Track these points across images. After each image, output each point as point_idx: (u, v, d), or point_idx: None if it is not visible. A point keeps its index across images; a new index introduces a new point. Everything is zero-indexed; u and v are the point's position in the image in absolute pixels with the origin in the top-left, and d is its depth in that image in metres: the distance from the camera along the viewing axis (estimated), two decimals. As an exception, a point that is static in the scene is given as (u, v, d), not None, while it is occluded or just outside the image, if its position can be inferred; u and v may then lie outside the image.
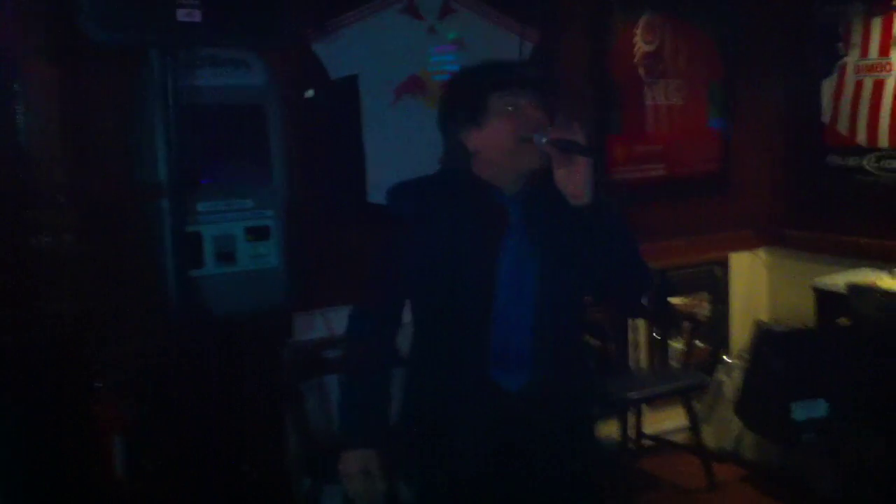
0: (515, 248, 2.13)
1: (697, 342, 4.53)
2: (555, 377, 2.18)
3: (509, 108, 2.12)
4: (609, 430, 3.95)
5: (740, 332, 4.71)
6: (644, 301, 4.19)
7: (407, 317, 2.27)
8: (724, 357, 4.65)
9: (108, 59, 2.92)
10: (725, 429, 4.36)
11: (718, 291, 4.72)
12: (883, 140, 4.21)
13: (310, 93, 3.56)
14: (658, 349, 4.47)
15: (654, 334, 4.48)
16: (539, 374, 2.15)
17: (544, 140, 2.03)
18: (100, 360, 3.03)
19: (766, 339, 4.12)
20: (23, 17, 2.87)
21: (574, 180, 1.99)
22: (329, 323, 3.48)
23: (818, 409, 3.77)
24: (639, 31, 4.37)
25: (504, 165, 2.14)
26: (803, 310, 4.27)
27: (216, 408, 2.99)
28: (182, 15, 2.57)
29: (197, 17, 2.60)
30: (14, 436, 2.93)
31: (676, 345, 4.49)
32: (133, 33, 2.59)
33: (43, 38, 2.90)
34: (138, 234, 2.94)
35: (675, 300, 4.56)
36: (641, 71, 4.40)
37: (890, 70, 4.16)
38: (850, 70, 4.33)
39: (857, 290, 3.86)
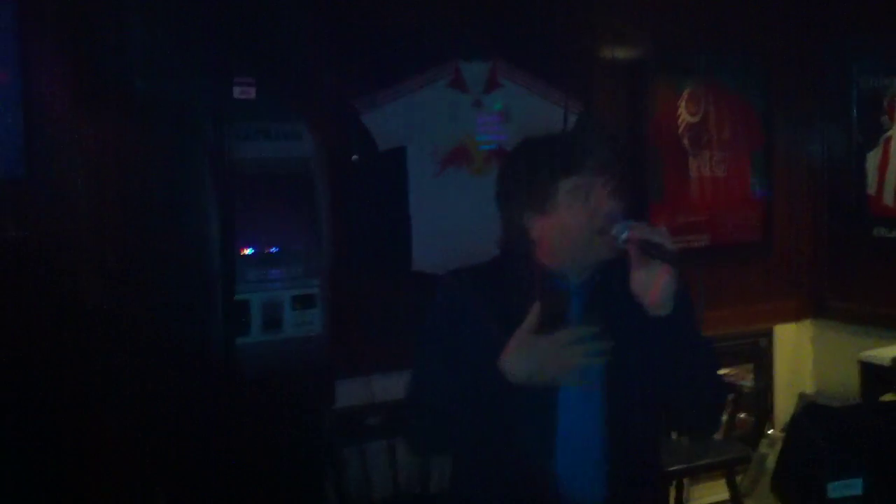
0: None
1: (741, 414, 4.49)
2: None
3: (583, 196, 1.90)
4: (650, 502, 3.91)
5: (785, 405, 4.66)
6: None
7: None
8: (768, 430, 4.60)
9: (163, 124, 2.98)
10: (769, 503, 4.30)
11: (763, 363, 4.68)
12: (928, 213, 4.20)
13: (355, 157, 3.63)
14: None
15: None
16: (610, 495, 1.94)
17: (624, 236, 1.82)
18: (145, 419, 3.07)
19: (805, 413, 4.05)
20: (79, 79, 2.93)
21: (654, 288, 1.81)
22: (372, 389, 3.51)
23: (854, 487, 3.70)
24: (683, 103, 4.41)
25: (572, 256, 1.95)
26: (849, 383, 4.22)
27: (257, 471, 3.02)
28: (238, 93, 2.65)
29: (252, 94, 2.69)
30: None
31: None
32: (178, 89, 2.67)
33: (98, 99, 2.95)
34: (187, 300, 3.00)
35: (719, 371, 4.52)
36: (685, 142, 4.43)
37: (935, 144, 4.16)
38: (894, 143, 4.33)
39: (902, 364, 3.82)
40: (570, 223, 1.91)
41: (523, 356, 1.85)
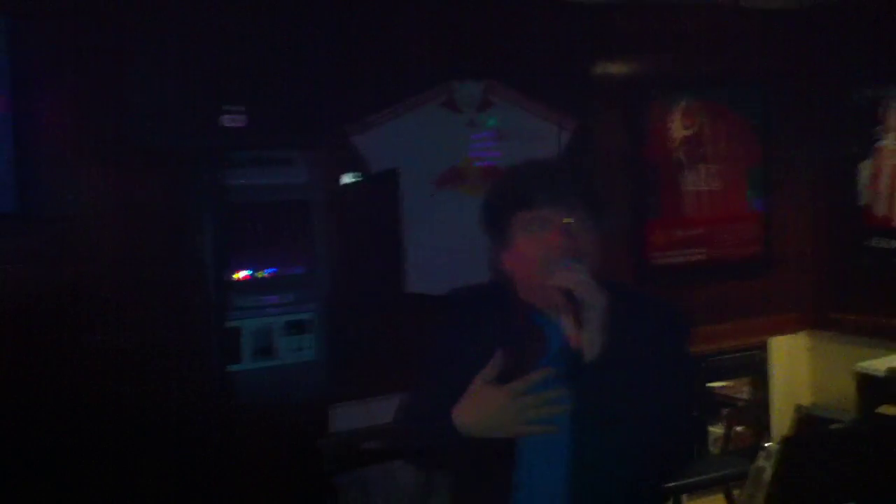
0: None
1: (738, 427, 4.49)
2: None
3: (532, 229, 1.88)
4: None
5: (782, 417, 4.66)
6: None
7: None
8: (766, 442, 4.59)
9: (157, 160, 3.01)
10: (767, 517, 4.29)
11: (759, 376, 4.68)
12: (923, 223, 4.20)
13: (348, 178, 3.64)
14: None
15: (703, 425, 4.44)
16: None
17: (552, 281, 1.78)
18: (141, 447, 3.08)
19: (797, 436, 4.08)
20: (75, 123, 2.97)
21: (577, 330, 1.75)
22: (369, 413, 3.51)
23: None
24: (677, 117, 4.42)
25: (538, 289, 1.87)
26: (846, 395, 4.21)
27: (253, 500, 3.03)
28: (227, 121, 2.66)
29: (241, 122, 2.69)
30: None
31: (716, 430, 4.45)
32: (179, 138, 2.69)
33: (94, 142, 2.99)
34: (182, 329, 3.01)
35: (714, 385, 4.53)
36: (681, 155, 4.43)
37: (928, 155, 4.16)
38: (887, 153, 4.33)
39: (897, 375, 3.82)
40: (526, 257, 1.88)
41: (475, 409, 1.79)
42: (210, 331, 2.84)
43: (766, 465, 4.40)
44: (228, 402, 2.85)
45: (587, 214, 1.89)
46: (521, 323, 1.92)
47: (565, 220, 1.86)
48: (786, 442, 4.23)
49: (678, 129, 4.42)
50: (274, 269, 3.05)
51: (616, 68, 4.29)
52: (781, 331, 4.73)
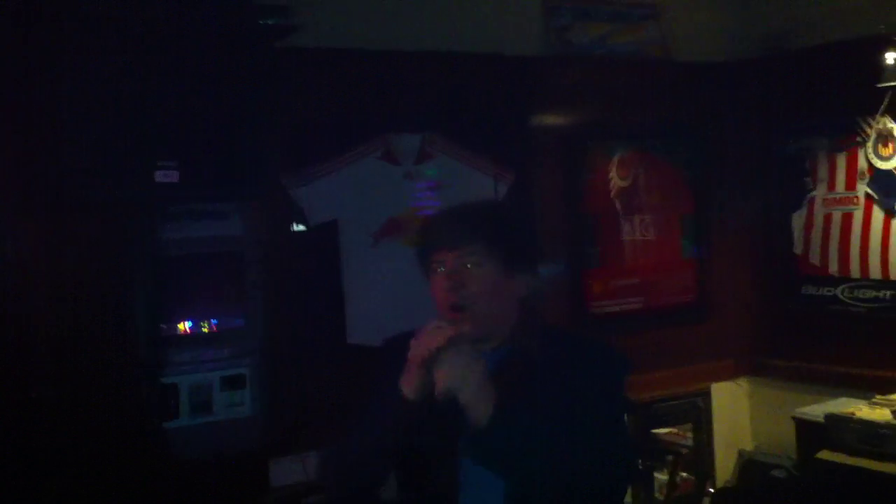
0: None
1: (682, 474, 4.51)
2: None
3: (440, 270, 1.97)
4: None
5: (725, 463, 4.70)
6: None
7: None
8: (710, 488, 4.62)
9: (87, 215, 2.97)
10: (713, 564, 4.31)
11: (701, 422, 4.71)
12: (854, 271, 4.29)
13: (299, 227, 3.65)
14: (642, 482, 4.45)
15: (639, 467, 4.46)
16: None
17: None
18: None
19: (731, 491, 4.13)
20: (4, 177, 2.93)
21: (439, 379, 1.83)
22: (307, 468, 3.47)
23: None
24: (614, 168, 4.50)
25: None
26: (786, 439, 4.27)
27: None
28: (160, 177, 2.65)
29: (175, 177, 2.69)
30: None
31: (661, 477, 4.47)
32: (113, 190, 2.67)
33: (24, 196, 2.94)
34: (116, 386, 2.95)
35: (658, 431, 4.56)
36: (617, 205, 4.50)
37: (857, 203, 4.27)
38: (818, 203, 4.45)
39: (834, 420, 3.87)
40: (435, 296, 1.97)
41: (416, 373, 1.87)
42: (145, 387, 2.79)
43: (710, 512, 4.45)
44: (166, 459, 2.80)
45: (489, 259, 1.94)
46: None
47: (457, 263, 1.94)
48: (721, 492, 4.30)
49: (615, 179, 4.50)
50: (208, 323, 3.02)
51: (553, 120, 4.37)
52: (719, 377, 4.78)
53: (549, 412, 1.84)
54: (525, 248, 2.06)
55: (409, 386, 1.88)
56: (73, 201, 2.76)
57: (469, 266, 1.94)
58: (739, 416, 4.83)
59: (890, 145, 4.12)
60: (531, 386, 1.90)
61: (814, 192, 4.47)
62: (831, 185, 4.39)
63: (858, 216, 4.27)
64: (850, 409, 3.92)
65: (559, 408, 1.86)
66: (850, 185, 4.30)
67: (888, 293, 4.18)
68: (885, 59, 3.91)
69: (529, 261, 2.04)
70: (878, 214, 4.19)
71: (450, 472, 1.93)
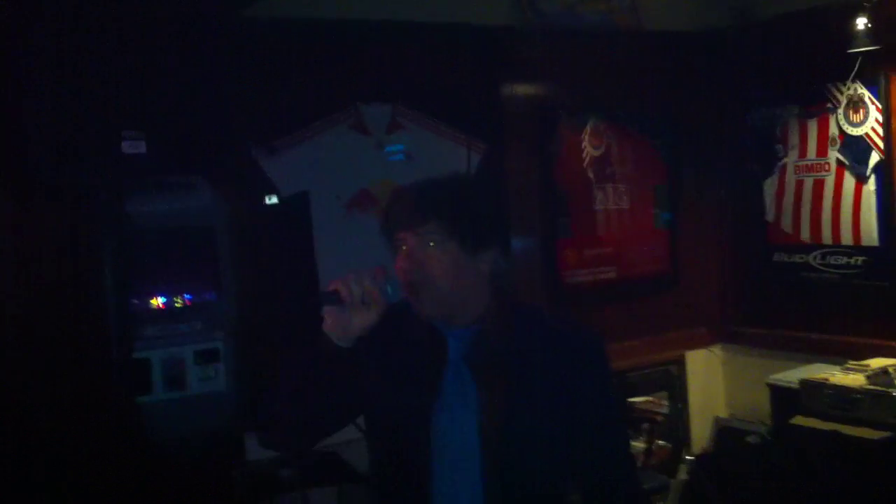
0: (453, 386, 1.89)
1: (658, 441, 4.53)
2: None
3: (402, 248, 1.92)
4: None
5: (700, 430, 4.72)
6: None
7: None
8: (686, 455, 4.64)
9: (54, 193, 2.90)
10: (689, 531, 4.33)
11: (676, 390, 4.73)
12: (826, 237, 4.32)
13: (271, 199, 3.60)
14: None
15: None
16: None
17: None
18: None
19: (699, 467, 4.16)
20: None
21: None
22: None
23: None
24: (586, 137, 4.48)
25: (421, 304, 1.90)
26: (761, 405, 4.30)
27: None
28: (127, 147, 2.60)
29: (142, 147, 2.63)
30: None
31: (638, 445, 4.48)
32: (80, 170, 2.61)
33: None
34: (87, 363, 2.90)
35: (634, 400, 4.57)
36: (590, 175, 4.49)
37: (829, 169, 4.29)
38: (789, 170, 4.46)
39: (808, 385, 3.90)
40: (398, 273, 1.91)
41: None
42: (117, 362, 2.75)
43: (687, 478, 4.46)
44: (139, 434, 2.76)
45: (450, 238, 1.90)
46: (421, 333, 1.94)
47: (415, 242, 1.89)
48: (700, 458, 4.32)
49: (588, 148, 4.48)
50: (180, 297, 2.97)
51: (524, 91, 4.34)
52: (693, 345, 4.80)
53: (527, 390, 1.85)
54: (492, 224, 2.00)
55: (332, 327, 1.86)
56: (39, 184, 2.69)
57: (431, 244, 1.89)
58: (714, 384, 4.86)
59: (861, 111, 4.14)
60: (506, 363, 1.89)
61: (785, 160, 4.48)
62: (802, 152, 4.40)
63: (830, 182, 4.28)
64: (824, 375, 3.95)
65: (540, 385, 1.87)
66: (822, 152, 4.31)
67: (860, 259, 4.21)
68: (855, 25, 3.91)
69: (497, 237, 1.98)
70: (849, 180, 4.21)
71: (421, 432, 1.89)
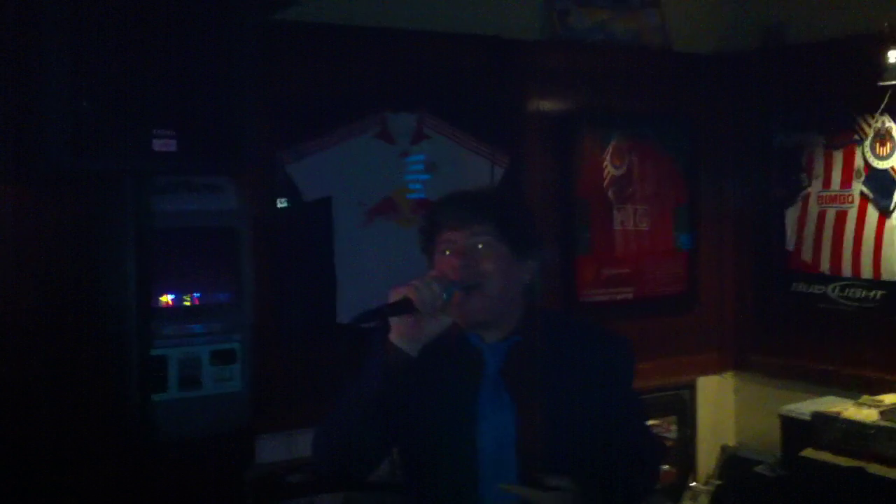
0: (491, 401, 1.91)
1: (664, 466, 4.50)
2: None
3: (444, 251, 1.93)
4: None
5: (707, 457, 4.69)
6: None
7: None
8: (692, 482, 4.62)
9: (76, 183, 2.87)
10: (692, 557, 4.31)
11: (685, 415, 4.71)
12: (846, 269, 4.29)
13: (282, 202, 3.59)
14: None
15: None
16: None
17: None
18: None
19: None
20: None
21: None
22: (293, 446, 3.44)
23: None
24: (608, 156, 4.46)
25: (455, 309, 1.89)
26: (770, 436, 4.27)
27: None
28: (158, 145, 2.58)
29: (172, 146, 2.61)
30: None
31: (644, 468, 4.45)
32: (106, 161, 2.59)
33: (12, 165, 2.83)
34: (102, 360, 2.89)
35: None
36: (610, 194, 4.47)
37: (852, 201, 4.26)
38: (812, 200, 4.43)
39: (821, 418, 3.87)
40: (449, 272, 1.90)
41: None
42: (133, 359, 2.73)
43: (692, 505, 4.45)
44: (153, 434, 2.75)
45: (500, 241, 1.92)
46: (457, 346, 1.95)
47: (468, 243, 1.90)
48: (717, 488, 4.28)
49: (608, 168, 4.47)
50: (200, 296, 2.96)
51: (549, 104, 4.32)
52: (706, 371, 4.78)
53: (566, 400, 1.87)
54: (530, 233, 2.04)
55: (405, 336, 1.83)
56: (62, 172, 2.67)
57: (481, 246, 1.91)
58: (724, 411, 4.83)
59: (887, 144, 4.11)
60: (542, 376, 1.90)
61: (808, 189, 4.45)
62: (826, 183, 4.37)
63: (853, 215, 4.26)
64: (837, 409, 3.91)
65: (576, 395, 1.89)
66: (846, 184, 4.29)
67: (879, 293, 4.18)
68: (888, 58, 3.89)
69: (537, 248, 2.03)
70: (872, 214, 4.19)
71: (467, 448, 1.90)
